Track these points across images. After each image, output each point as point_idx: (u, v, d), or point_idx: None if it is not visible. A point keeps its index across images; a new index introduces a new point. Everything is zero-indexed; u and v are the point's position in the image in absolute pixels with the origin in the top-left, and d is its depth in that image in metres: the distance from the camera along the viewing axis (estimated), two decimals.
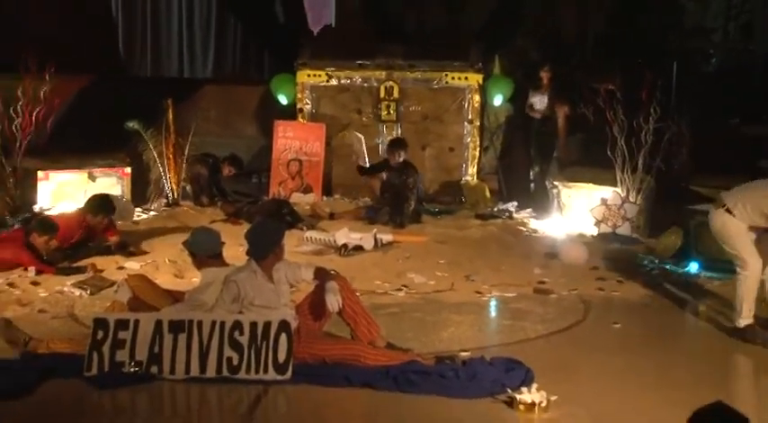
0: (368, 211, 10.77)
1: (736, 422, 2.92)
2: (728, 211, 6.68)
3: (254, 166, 12.41)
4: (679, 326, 7.32)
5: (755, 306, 6.66)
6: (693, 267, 8.58)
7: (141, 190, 11.50)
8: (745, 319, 6.65)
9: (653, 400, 5.29)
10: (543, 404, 5.07)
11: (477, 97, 11.97)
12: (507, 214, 11.12)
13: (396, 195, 10.49)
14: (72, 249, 8.62)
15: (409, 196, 10.44)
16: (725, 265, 8.42)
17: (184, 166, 11.59)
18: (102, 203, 8.94)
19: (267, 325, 5.61)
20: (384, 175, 10.72)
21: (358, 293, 6.25)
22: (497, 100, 12.39)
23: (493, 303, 7.69)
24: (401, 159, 10.74)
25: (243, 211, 10.53)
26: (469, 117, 12.01)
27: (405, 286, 7.99)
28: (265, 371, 5.53)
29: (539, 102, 12.00)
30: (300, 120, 12.21)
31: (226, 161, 11.70)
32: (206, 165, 11.56)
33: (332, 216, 10.80)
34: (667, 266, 8.73)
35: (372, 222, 10.30)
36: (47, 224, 8.50)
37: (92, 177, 10.84)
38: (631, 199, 9.96)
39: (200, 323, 5.64)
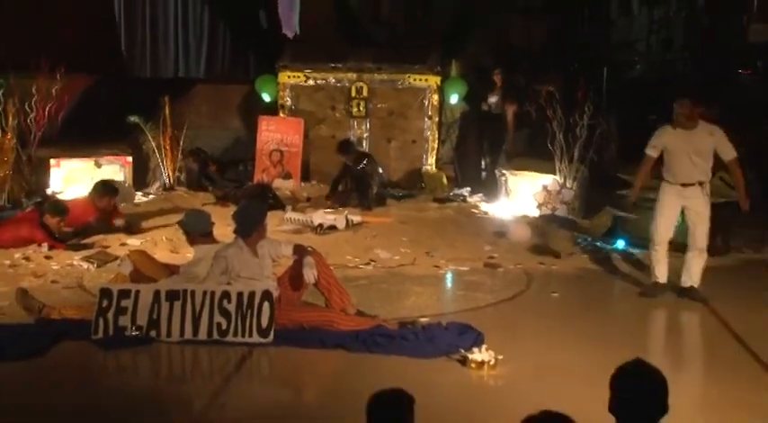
0: (338, 196, 10.76)
1: (651, 375, 2.95)
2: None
3: (241, 156, 12.31)
4: (608, 293, 7.38)
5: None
6: (620, 244, 8.64)
7: (141, 176, 11.41)
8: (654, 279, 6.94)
9: (586, 356, 5.33)
10: (492, 362, 5.11)
11: (435, 96, 11.93)
12: (462, 198, 11.13)
13: (359, 183, 10.50)
14: (82, 229, 8.54)
15: (370, 182, 10.44)
16: (647, 242, 8.53)
17: (179, 155, 11.51)
18: (105, 187, 8.93)
19: (252, 294, 5.59)
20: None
21: (332, 267, 6.24)
22: (453, 99, 12.36)
23: (449, 276, 7.72)
24: (353, 155, 10.73)
25: (230, 195, 10.47)
26: (429, 114, 11.97)
27: (372, 261, 7.99)
28: (250, 335, 5.53)
29: (494, 104, 11.99)
30: (281, 115, 12.13)
31: (215, 164, 11.68)
32: (197, 160, 11.54)
33: (308, 199, 10.78)
34: (598, 243, 8.79)
35: (343, 205, 10.28)
36: (59, 207, 8.46)
37: (98, 165, 10.74)
38: (568, 185, 9.99)
39: (193, 293, 5.62)
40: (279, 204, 10.02)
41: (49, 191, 10.05)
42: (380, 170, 10.78)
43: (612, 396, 2.94)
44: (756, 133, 10.87)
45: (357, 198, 10.37)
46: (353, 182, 10.60)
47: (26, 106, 9.84)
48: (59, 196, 9.60)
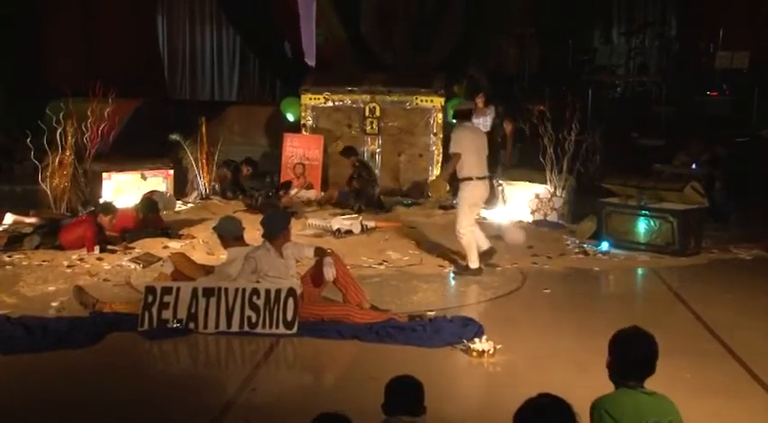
0: (340, 194, 10.78)
1: (645, 338, 3.07)
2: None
3: (268, 169, 12.29)
4: (594, 290, 7.33)
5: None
6: (604, 246, 8.58)
7: (181, 187, 11.41)
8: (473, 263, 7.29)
9: (575, 345, 5.29)
10: (491, 351, 5.07)
11: (439, 115, 11.88)
12: None
13: (362, 192, 10.51)
14: (129, 234, 8.56)
15: (370, 188, 10.47)
16: (629, 244, 8.50)
17: (214, 168, 11.53)
18: (149, 205, 9.07)
19: (278, 291, 5.58)
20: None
21: (348, 266, 6.22)
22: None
23: (452, 274, 7.65)
24: (354, 159, 10.82)
25: (255, 205, 10.40)
26: (434, 131, 11.91)
27: (384, 261, 7.96)
28: (277, 326, 5.52)
29: (482, 123, 11.85)
30: (304, 133, 12.13)
31: (244, 163, 11.63)
32: (229, 168, 11.52)
33: (320, 203, 10.81)
34: (585, 245, 8.73)
35: (343, 205, 10.35)
36: (109, 206, 8.67)
37: (143, 177, 10.78)
38: (558, 194, 9.93)
39: (226, 290, 5.62)
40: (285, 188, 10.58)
41: (101, 200, 10.09)
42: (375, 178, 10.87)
43: (610, 352, 3.06)
44: (721, 148, 10.81)
45: (364, 202, 10.36)
46: (356, 191, 10.62)
47: (82, 126, 9.89)
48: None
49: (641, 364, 2.99)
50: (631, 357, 3.00)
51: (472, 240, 7.35)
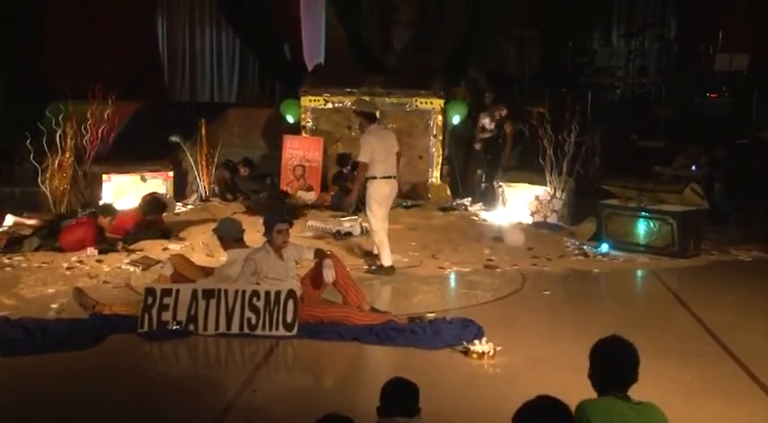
0: (332, 198, 10.82)
1: (624, 347, 3.04)
2: None
3: (268, 170, 12.30)
4: (593, 291, 7.34)
5: None
6: (604, 248, 8.59)
7: (181, 189, 11.43)
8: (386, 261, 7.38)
9: (574, 347, 5.25)
10: (491, 353, 5.08)
11: (439, 117, 11.88)
12: (463, 207, 11.07)
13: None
14: (129, 236, 8.56)
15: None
16: (628, 246, 8.51)
17: (214, 170, 11.54)
18: (155, 204, 9.02)
19: (278, 293, 5.59)
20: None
21: (348, 268, 6.22)
22: (455, 119, 12.34)
23: (452, 276, 7.67)
24: (349, 167, 10.91)
25: (253, 206, 10.38)
26: (434, 133, 11.91)
27: None
28: (277, 328, 5.52)
29: (488, 122, 11.92)
30: (303, 134, 12.13)
31: (241, 163, 11.62)
32: (228, 169, 11.52)
33: (313, 205, 10.84)
34: (585, 247, 8.74)
35: (336, 208, 10.40)
36: (108, 208, 8.71)
37: (143, 179, 10.78)
38: (557, 195, 9.95)
39: (226, 291, 5.62)
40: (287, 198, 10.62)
41: (101, 202, 10.09)
42: None
43: (591, 363, 3.04)
44: (720, 150, 10.82)
45: (356, 209, 10.37)
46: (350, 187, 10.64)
47: (82, 128, 9.90)
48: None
49: (623, 374, 2.96)
50: (613, 367, 2.98)
51: (384, 238, 7.42)
